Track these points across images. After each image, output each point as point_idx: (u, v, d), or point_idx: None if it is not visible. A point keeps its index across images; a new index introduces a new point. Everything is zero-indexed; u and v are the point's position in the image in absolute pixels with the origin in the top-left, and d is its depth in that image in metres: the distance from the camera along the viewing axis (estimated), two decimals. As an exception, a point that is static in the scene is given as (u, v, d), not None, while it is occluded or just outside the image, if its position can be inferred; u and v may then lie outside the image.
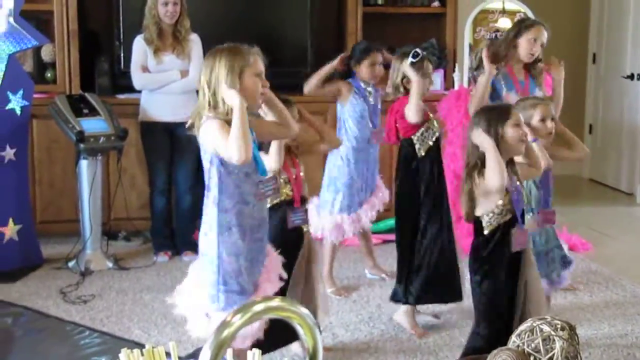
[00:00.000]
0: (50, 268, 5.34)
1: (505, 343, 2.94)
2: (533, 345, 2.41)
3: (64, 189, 5.83)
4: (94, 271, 5.27)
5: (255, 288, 3.25)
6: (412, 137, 4.35)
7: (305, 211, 3.84)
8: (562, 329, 2.42)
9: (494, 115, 3.39)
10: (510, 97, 4.60)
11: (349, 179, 4.90)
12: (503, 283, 3.42)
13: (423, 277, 4.31)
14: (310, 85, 4.84)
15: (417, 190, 4.35)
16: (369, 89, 4.92)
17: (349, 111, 4.91)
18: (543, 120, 3.89)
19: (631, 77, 7.48)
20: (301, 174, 3.80)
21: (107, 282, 5.13)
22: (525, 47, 4.66)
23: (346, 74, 5.03)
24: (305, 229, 3.83)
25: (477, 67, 4.73)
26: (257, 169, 3.16)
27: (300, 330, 1.22)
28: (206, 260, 3.22)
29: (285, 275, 3.38)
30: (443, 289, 4.35)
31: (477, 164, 3.35)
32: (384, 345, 4.17)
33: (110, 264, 5.39)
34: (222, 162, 3.10)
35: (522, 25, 4.70)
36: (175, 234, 5.71)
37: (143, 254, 5.69)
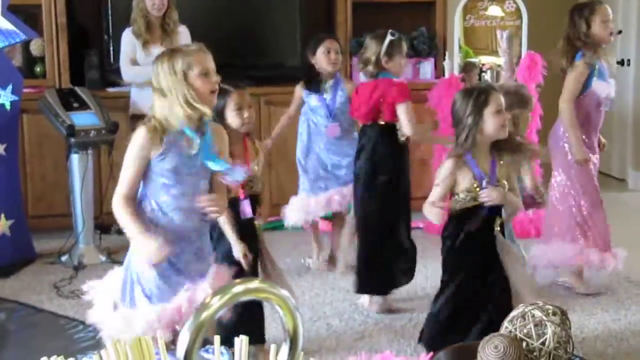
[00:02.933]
0: (43, 263, 5.33)
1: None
2: (525, 330, 2.41)
3: (55, 183, 5.81)
4: (87, 265, 5.26)
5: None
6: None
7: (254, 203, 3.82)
8: (554, 314, 2.42)
9: (474, 101, 3.40)
10: (600, 85, 4.57)
11: (304, 162, 5.04)
12: (477, 274, 3.46)
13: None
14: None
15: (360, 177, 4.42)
16: (327, 84, 4.94)
17: (307, 105, 5.04)
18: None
19: (621, 62, 7.48)
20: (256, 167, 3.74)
21: (100, 275, 5.00)
22: (600, 33, 4.55)
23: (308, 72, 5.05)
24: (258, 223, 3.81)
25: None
26: (183, 183, 3.13)
27: (280, 312, 1.22)
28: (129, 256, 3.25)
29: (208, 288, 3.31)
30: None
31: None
32: (379, 334, 4.18)
33: (103, 258, 5.38)
34: (149, 167, 3.11)
35: (585, 15, 4.56)
36: (167, 226, 5.70)
37: (136, 248, 5.68)
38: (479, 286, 3.46)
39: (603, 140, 4.82)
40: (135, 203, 3.14)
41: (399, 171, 4.37)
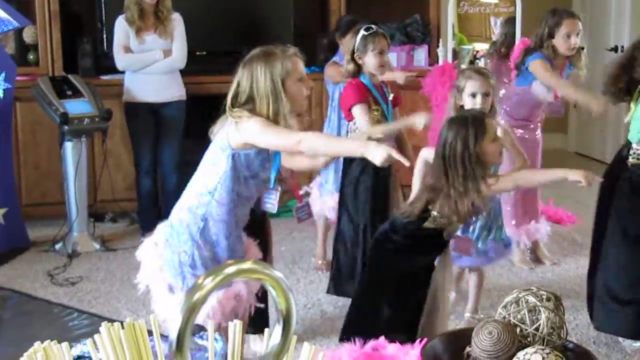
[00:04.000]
0: (37, 251, 5.33)
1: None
2: (519, 316, 2.41)
3: (49, 171, 5.80)
4: (81, 253, 5.26)
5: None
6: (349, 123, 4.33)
7: (308, 204, 3.86)
8: (548, 299, 2.43)
9: (471, 132, 3.23)
10: (536, 88, 4.66)
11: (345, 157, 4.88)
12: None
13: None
14: None
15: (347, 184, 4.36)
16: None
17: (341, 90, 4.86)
18: (473, 95, 3.83)
19: (615, 49, 7.49)
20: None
21: (94, 263, 5.13)
22: (562, 45, 4.62)
23: (331, 50, 5.02)
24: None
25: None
26: (264, 175, 3.12)
27: (273, 293, 1.22)
28: (178, 236, 3.12)
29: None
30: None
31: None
32: (373, 321, 4.19)
33: (97, 246, 5.38)
34: (236, 158, 3.02)
35: (550, 25, 4.62)
36: (162, 214, 5.68)
37: (130, 235, 5.68)
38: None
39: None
40: None
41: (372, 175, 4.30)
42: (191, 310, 1.14)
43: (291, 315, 1.20)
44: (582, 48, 4.73)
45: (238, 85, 3.01)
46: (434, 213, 3.27)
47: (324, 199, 4.91)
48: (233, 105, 3.01)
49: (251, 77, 2.98)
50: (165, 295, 3.15)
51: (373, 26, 4.30)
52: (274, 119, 2.96)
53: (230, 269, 1.18)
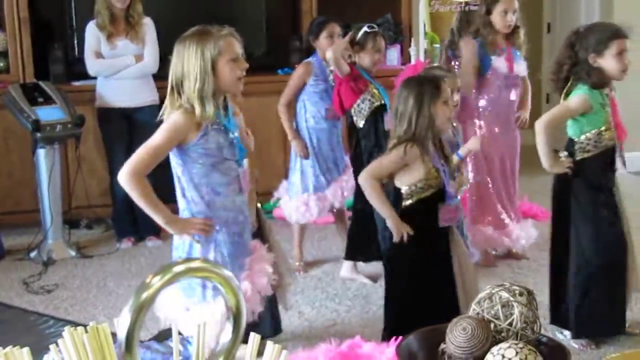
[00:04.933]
0: (12, 259, 5.29)
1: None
2: (492, 312, 2.42)
3: (22, 179, 5.76)
4: (57, 260, 5.22)
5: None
6: (350, 109, 4.51)
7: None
8: (521, 294, 2.44)
9: (426, 90, 3.31)
10: (499, 62, 4.81)
11: (312, 159, 4.88)
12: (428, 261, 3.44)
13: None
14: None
15: (360, 161, 4.43)
16: (331, 67, 4.89)
17: (307, 92, 4.89)
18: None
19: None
20: None
21: (70, 270, 5.10)
22: (499, 21, 4.76)
23: (308, 54, 5.03)
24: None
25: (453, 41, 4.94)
26: (227, 159, 3.10)
27: (222, 290, 1.22)
28: (179, 252, 3.14)
29: (270, 270, 3.30)
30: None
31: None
32: (350, 321, 4.20)
33: (73, 253, 5.35)
34: (185, 153, 3.03)
35: (487, 3, 4.78)
36: (137, 219, 5.66)
37: (106, 241, 5.66)
38: (427, 286, 3.44)
39: (523, 117, 5.07)
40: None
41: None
42: (140, 309, 1.14)
43: (241, 312, 1.21)
44: (518, 27, 4.85)
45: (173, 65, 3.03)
46: (404, 188, 3.35)
47: (292, 201, 4.92)
48: (172, 89, 3.03)
49: (182, 55, 2.98)
50: (184, 316, 3.11)
51: (375, 26, 4.58)
52: (199, 98, 2.95)
53: (178, 268, 1.19)
